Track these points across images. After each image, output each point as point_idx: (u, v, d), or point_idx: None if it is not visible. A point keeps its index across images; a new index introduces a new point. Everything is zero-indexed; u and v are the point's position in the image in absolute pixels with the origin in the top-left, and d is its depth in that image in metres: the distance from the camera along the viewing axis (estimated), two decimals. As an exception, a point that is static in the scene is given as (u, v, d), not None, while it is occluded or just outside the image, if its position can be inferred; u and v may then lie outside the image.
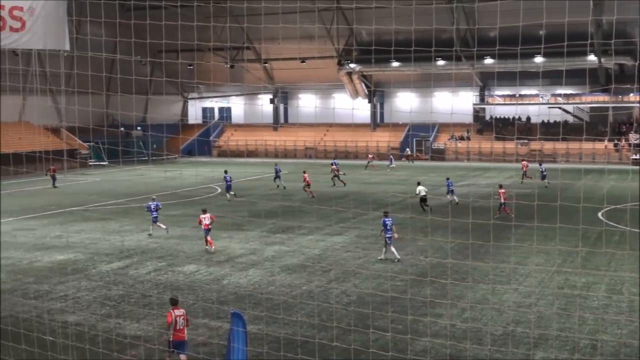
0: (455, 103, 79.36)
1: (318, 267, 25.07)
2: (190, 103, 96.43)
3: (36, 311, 19.85)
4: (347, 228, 33.10)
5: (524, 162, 53.38)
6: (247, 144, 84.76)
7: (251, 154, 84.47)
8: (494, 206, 37.02)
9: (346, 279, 23.51)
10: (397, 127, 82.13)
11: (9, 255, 27.45)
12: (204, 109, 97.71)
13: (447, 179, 42.53)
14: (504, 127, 78.51)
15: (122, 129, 78.84)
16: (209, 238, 28.20)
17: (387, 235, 25.56)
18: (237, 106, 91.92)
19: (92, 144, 71.62)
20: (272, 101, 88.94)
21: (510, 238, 29.41)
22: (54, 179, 52.33)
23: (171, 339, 15.13)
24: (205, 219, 28.32)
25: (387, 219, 25.68)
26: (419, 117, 77.15)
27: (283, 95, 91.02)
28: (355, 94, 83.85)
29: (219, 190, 49.31)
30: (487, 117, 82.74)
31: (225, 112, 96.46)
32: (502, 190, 36.53)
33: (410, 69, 75.85)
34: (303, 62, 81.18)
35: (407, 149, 77.31)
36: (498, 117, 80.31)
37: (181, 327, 15.20)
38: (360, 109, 76.34)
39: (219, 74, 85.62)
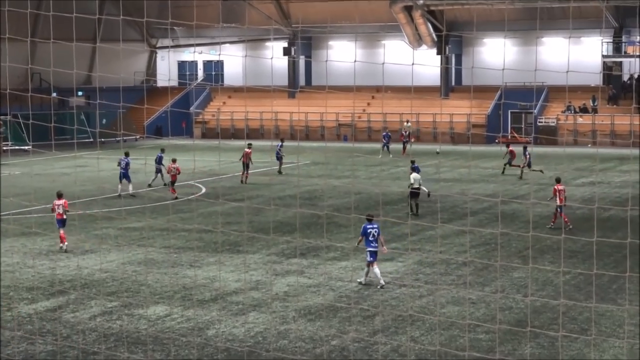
0: (574, 55, 78.78)
1: (356, 310, 25.04)
2: (161, 55, 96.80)
3: None
4: (402, 250, 33.03)
5: (512, 148, 55.02)
6: (247, 118, 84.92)
7: (254, 133, 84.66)
8: (634, 216, 36.70)
9: (400, 329, 23.44)
10: (482, 92, 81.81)
11: None
12: (182, 64, 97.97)
13: (412, 162, 44.30)
14: (652, 93, 77.76)
15: (55, 94, 79.36)
16: (62, 232, 33.10)
17: (370, 249, 27.20)
18: (233, 60, 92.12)
19: (8, 117, 72.21)
20: (287, 52, 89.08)
21: (659, 267, 29.16)
22: None
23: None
24: (59, 206, 33.24)
25: (370, 225, 27.31)
26: (517, 77, 76.68)
27: (304, 44, 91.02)
28: (417, 40, 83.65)
29: (204, 190, 49.54)
30: (626, 77, 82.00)
31: (215, 69, 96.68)
32: (561, 187, 36.71)
33: (504, 1, 75.50)
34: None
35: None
36: (642, 76, 79.59)
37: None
38: (425, 64, 76.04)
39: (205, 9, 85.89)
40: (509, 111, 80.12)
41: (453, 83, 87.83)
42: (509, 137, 79.15)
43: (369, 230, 27.29)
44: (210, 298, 26.66)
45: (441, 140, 77.44)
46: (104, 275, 29.49)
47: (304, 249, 33.19)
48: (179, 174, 46.55)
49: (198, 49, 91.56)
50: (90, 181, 50.85)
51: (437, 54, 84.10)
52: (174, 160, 46.70)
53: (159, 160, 50.39)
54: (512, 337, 22.40)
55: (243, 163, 51.92)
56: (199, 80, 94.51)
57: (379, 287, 27.32)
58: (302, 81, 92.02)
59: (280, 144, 56.90)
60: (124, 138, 79.99)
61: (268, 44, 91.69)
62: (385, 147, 66.50)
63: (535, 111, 78.48)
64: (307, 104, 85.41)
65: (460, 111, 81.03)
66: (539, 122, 78.78)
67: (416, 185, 40.77)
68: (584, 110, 78.38)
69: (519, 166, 53.50)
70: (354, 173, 55.72)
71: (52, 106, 72.34)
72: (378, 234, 27.35)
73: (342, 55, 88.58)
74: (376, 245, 27.34)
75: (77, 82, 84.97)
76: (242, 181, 51.58)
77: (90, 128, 76.43)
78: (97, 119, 78.15)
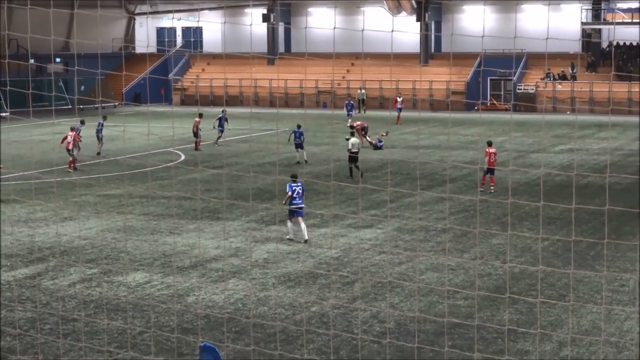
0: (554, 22, 78.81)
1: (336, 277, 25.11)
2: (139, 21, 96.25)
3: None
4: (381, 217, 33.09)
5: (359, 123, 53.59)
6: (226, 85, 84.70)
7: (233, 100, 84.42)
8: (612, 183, 36.88)
9: (379, 295, 23.53)
10: (461, 59, 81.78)
11: None
12: (160, 31, 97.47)
13: (299, 127, 46.48)
14: (631, 60, 77.88)
15: (33, 61, 78.83)
16: None
17: (293, 206, 28.98)
18: (212, 26, 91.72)
19: (-15, 85, 71.74)
20: (266, 18, 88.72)
21: (636, 233, 29.33)
22: None
23: None
24: None
25: (294, 184, 29.23)
26: (497, 44, 76.62)
27: (284, 10, 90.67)
28: (396, 7, 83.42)
29: (183, 157, 49.45)
30: (605, 45, 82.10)
31: (194, 36, 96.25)
32: (492, 150, 37.83)
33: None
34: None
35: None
36: (621, 43, 79.68)
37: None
38: (404, 31, 75.87)
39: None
40: (488, 78, 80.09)
41: (432, 50, 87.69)
42: (488, 104, 79.30)
43: (293, 188, 29.09)
44: (190, 265, 26.69)
45: (420, 107, 77.50)
46: (83, 243, 29.46)
47: (283, 216, 33.13)
48: (73, 142, 44.37)
49: (177, 15, 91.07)
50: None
51: (417, 20, 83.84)
52: (72, 129, 45.58)
53: (99, 129, 49.79)
54: (490, 303, 22.52)
55: (193, 132, 51.78)
56: (177, 47, 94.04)
57: (302, 241, 28.77)
58: (281, 48, 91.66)
59: (221, 115, 54.04)
60: (103, 105, 79.61)
61: (247, 10, 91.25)
62: (349, 116, 66.08)
63: (515, 78, 78.53)
64: (286, 71, 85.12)
65: (440, 78, 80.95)
66: (518, 89, 78.84)
67: (355, 150, 41.81)
68: (563, 77, 78.46)
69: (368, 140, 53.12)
70: (333, 140, 55.65)
71: (29, 73, 71.94)
72: (302, 191, 29.21)
73: (321, 22, 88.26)
74: (300, 202, 29.00)
75: (54, 48, 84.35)
76: (195, 149, 51.53)
77: (69, 95, 76.02)
78: (75, 86, 77.74)
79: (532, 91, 78.34)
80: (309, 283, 24.67)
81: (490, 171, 37.39)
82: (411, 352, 18.90)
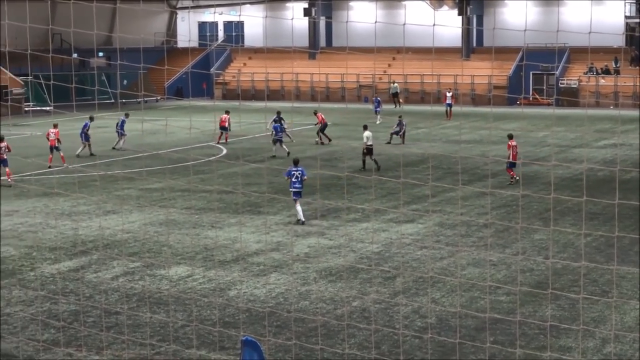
0: (597, 15, 78.20)
1: (377, 272, 25.12)
2: (181, 16, 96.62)
3: (-55, 334, 20.26)
4: (422, 212, 33.07)
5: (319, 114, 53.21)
6: (268, 79, 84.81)
7: (274, 95, 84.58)
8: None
9: (421, 290, 23.52)
10: (503, 53, 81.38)
11: None
12: (202, 25, 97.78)
13: (276, 118, 47.93)
14: (675, 55, 77.16)
15: (76, 55, 79.40)
16: (7, 170, 38.06)
17: (293, 189, 31.00)
18: (253, 21, 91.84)
19: (30, 78, 72.37)
20: (307, 13, 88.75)
21: (680, 229, 29.08)
22: None
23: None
24: (1, 148, 38.15)
25: (294, 168, 31.06)
26: (539, 38, 76.25)
27: (325, 4, 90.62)
28: (438, 1, 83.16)
29: (224, 151, 49.59)
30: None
31: (235, 30, 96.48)
32: (514, 143, 38.43)
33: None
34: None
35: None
36: (666, 38, 78.90)
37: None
38: (446, 25, 75.62)
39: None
40: (531, 72, 79.74)
41: (474, 44, 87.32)
42: (531, 98, 78.92)
43: (292, 172, 30.99)
44: (232, 259, 26.81)
45: (462, 102, 77.18)
46: (126, 236, 29.67)
47: (325, 210, 33.26)
48: (57, 138, 44.19)
49: (218, 9, 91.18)
50: (111, 142, 50.95)
51: (459, 14, 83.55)
52: (55, 125, 45.27)
53: (121, 125, 50.07)
54: (532, 299, 22.46)
55: (220, 127, 51.87)
56: (219, 41, 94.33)
57: (300, 223, 30.80)
58: (322, 42, 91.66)
59: (276, 117, 51.46)
60: (145, 99, 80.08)
61: (288, 4, 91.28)
62: (376, 112, 65.23)
63: (557, 72, 78.05)
64: (327, 65, 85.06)
65: (482, 72, 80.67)
66: (561, 83, 78.36)
67: (370, 143, 42.33)
68: (606, 71, 77.92)
69: (326, 137, 52.74)
70: (374, 134, 55.59)
71: (72, 67, 72.50)
72: (302, 176, 30.89)
73: (362, 16, 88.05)
74: (299, 186, 30.89)
75: (97, 42, 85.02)
76: (218, 142, 51.92)
77: (111, 89, 76.56)
78: (117, 80, 78.24)
79: (574, 86, 77.85)
80: (350, 278, 24.70)
81: (511, 164, 37.70)
82: (452, 347, 18.89)
